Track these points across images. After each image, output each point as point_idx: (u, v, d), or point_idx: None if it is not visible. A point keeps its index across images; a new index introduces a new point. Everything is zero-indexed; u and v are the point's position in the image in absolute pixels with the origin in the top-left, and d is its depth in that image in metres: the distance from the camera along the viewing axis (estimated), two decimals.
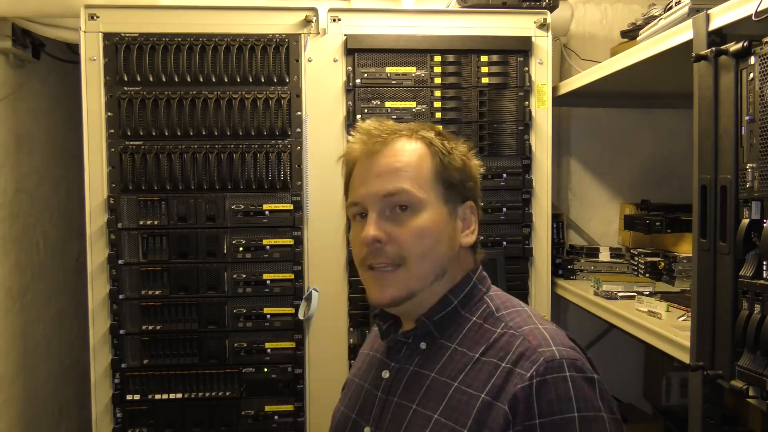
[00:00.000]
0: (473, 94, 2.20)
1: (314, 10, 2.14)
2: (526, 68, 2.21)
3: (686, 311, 1.79)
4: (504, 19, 2.22)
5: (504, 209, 2.22)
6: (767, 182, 1.19)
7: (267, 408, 2.15)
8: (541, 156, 2.23)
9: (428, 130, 1.07)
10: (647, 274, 2.37)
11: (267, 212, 2.14)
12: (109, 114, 2.09)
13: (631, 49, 1.89)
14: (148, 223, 2.11)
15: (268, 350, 2.15)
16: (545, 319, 1.02)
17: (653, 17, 1.92)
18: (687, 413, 1.50)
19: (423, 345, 1.03)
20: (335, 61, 2.16)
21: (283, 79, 2.13)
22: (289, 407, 2.16)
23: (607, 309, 1.99)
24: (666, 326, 1.69)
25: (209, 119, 2.10)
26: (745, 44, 1.24)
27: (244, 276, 2.13)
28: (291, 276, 2.15)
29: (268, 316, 2.14)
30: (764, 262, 1.22)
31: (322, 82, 2.16)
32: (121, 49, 2.07)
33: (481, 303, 1.04)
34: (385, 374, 1.06)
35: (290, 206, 2.14)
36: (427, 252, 1.00)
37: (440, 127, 1.10)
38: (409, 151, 1.03)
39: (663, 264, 2.31)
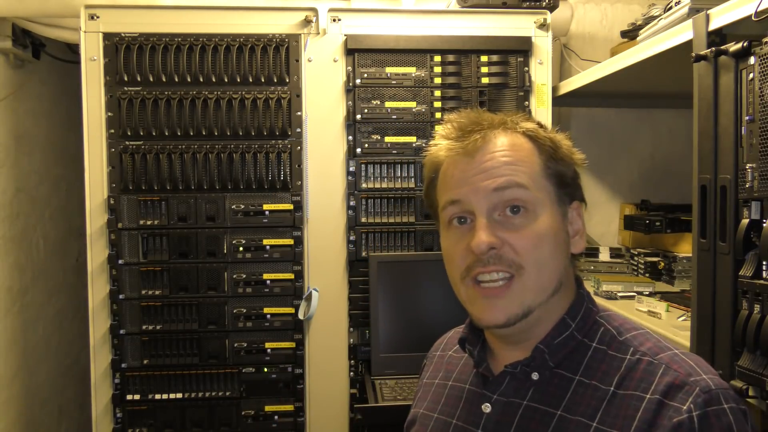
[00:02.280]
0: (473, 94, 2.20)
1: (314, 10, 2.14)
2: (526, 68, 2.21)
3: (686, 311, 1.79)
4: (504, 19, 2.21)
5: None
6: (767, 182, 1.19)
7: (267, 408, 2.15)
8: None
9: (526, 120, 0.94)
10: (647, 274, 2.37)
11: (267, 212, 2.14)
12: (109, 114, 2.09)
13: (631, 49, 1.89)
14: (148, 223, 2.11)
15: (268, 350, 2.15)
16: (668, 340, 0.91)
17: (653, 17, 1.92)
18: None
19: (535, 376, 0.89)
20: (335, 61, 2.16)
21: (283, 79, 2.13)
22: (289, 407, 2.16)
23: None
24: (666, 326, 1.69)
25: (209, 119, 2.10)
26: (745, 44, 1.24)
27: (244, 276, 2.13)
28: (291, 276, 2.15)
29: (268, 316, 2.14)
30: (764, 262, 1.21)
31: (322, 82, 2.16)
32: (121, 49, 2.07)
33: (597, 325, 0.91)
34: (486, 408, 0.90)
35: (290, 206, 2.14)
36: (546, 261, 0.87)
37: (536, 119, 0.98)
38: (516, 145, 0.89)
39: (663, 264, 2.31)
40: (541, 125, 0.94)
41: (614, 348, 0.87)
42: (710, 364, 1.35)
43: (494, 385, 0.92)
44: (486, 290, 0.87)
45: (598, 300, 2.13)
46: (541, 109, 2.23)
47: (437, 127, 0.98)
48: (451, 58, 2.19)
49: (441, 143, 0.94)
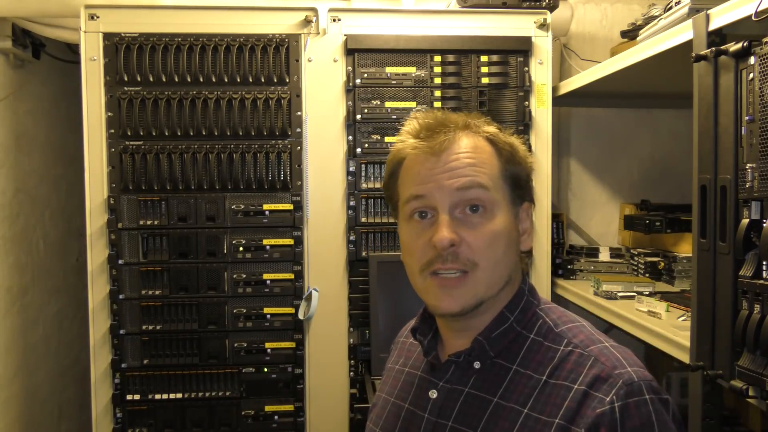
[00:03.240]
0: (473, 94, 2.20)
1: (314, 10, 2.14)
2: (526, 68, 2.21)
3: (686, 311, 1.79)
4: (504, 19, 2.22)
5: None
6: (767, 182, 1.19)
7: (267, 408, 2.15)
8: (541, 156, 2.23)
9: (487, 124, 0.99)
10: (647, 274, 2.37)
11: (267, 212, 2.14)
12: (109, 114, 2.09)
13: (631, 49, 1.89)
14: (148, 223, 2.11)
15: (268, 350, 2.15)
16: (602, 333, 0.95)
17: (653, 17, 1.92)
18: (687, 413, 1.50)
19: (477, 365, 0.95)
20: (335, 61, 2.16)
21: (283, 79, 2.13)
22: (289, 407, 2.16)
23: (607, 309, 1.99)
24: (666, 326, 1.69)
25: (209, 119, 2.10)
26: (745, 44, 1.24)
27: (244, 276, 2.13)
28: (291, 276, 2.15)
29: (268, 316, 2.14)
30: (764, 262, 1.21)
31: (322, 82, 2.16)
32: (121, 49, 2.07)
33: (536, 318, 0.96)
34: (433, 394, 0.97)
35: (290, 206, 2.14)
36: (499, 258, 0.93)
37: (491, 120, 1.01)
38: (478, 147, 0.95)
39: (663, 264, 2.31)
40: (500, 129, 1.00)
41: (550, 339, 0.93)
42: (710, 364, 1.36)
43: (441, 372, 0.98)
44: (443, 281, 0.92)
45: (598, 300, 2.13)
46: (541, 109, 2.23)
47: (405, 123, 1.01)
48: (451, 58, 2.19)
49: (407, 140, 0.98)
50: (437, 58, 2.19)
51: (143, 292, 2.11)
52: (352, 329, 2.19)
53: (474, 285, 0.92)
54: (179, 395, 2.12)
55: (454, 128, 0.96)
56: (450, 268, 0.91)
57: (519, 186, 0.97)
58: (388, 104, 2.18)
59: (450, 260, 0.91)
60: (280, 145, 2.14)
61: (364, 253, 2.16)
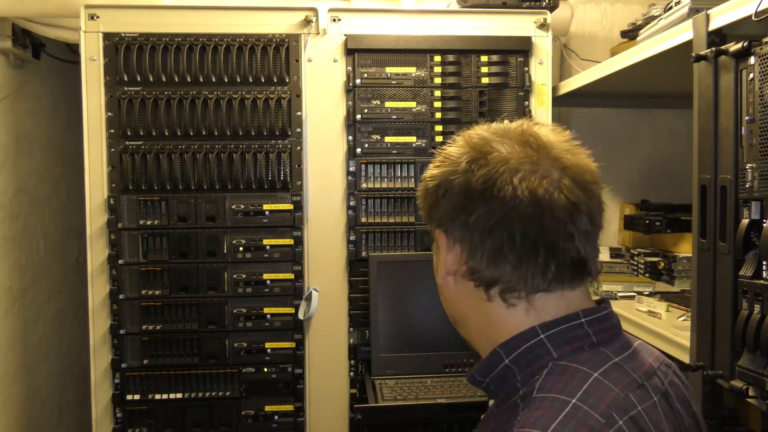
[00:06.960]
0: (473, 94, 2.20)
1: (314, 10, 2.14)
2: (526, 68, 2.21)
3: (686, 311, 1.79)
4: (504, 19, 2.21)
5: None
6: (767, 182, 1.19)
7: (267, 408, 2.15)
8: None
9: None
10: (647, 274, 2.37)
11: (267, 212, 2.14)
12: (109, 114, 2.09)
13: (631, 49, 1.89)
14: (148, 223, 2.11)
15: (268, 350, 2.15)
16: (597, 410, 0.71)
17: (653, 17, 1.92)
18: None
19: (491, 403, 0.87)
20: (335, 61, 2.16)
21: (283, 79, 2.13)
22: (289, 407, 2.16)
23: None
24: (666, 326, 1.69)
25: (209, 119, 2.10)
26: (745, 44, 1.24)
27: (244, 276, 2.13)
28: (291, 276, 2.15)
29: (268, 316, 2.14)
30: (764, 262, 1.21)
31: (322, 82, 2.16)
32: (121, 49, 2.07)
33: (539, 373, 0.77)
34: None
35: (290, 206, 2.14)
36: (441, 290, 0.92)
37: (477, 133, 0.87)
38: None
39: (663, 264, 2.31)
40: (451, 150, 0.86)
41: (524, 404, 0.75)
42: (710, 364, 1.36)
43: None
44: None
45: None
46: (541, 109, 2.23)
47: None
48: (451, 58, 2.19)
49: None
50: (437, 58, 2.19)
51: (143, 292, 2.11)
52: (352, 329, 2.19)
53: None
54: (179, 395, 2.12)
55: None
56: None
57: (432, 208, 0.86)
58: (388, 104, 2.18)
59: None
60: (280, 145, 2.14)
61: (364, 253, 2.16)
